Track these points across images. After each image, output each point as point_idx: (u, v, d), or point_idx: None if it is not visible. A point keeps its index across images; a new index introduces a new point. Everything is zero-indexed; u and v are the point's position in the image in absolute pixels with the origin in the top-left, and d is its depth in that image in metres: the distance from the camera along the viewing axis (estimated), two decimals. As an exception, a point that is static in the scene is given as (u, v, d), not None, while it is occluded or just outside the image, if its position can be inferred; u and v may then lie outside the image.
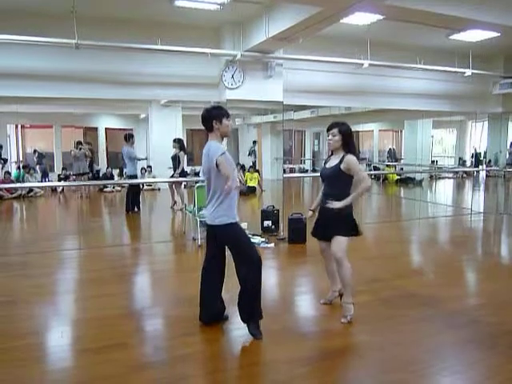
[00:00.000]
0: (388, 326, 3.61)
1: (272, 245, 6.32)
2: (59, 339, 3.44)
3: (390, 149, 20.38)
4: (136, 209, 9.47)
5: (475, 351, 3.18)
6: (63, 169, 14.82)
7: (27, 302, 4.19)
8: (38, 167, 16.26)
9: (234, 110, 14.35)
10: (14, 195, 11.92)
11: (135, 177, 9.61)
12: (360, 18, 6.55)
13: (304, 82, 8.85)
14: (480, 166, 15.97)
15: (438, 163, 18.57)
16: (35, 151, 17.74)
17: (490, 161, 15.08)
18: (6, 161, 14.96)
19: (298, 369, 2.92)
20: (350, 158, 3.67)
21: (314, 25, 6.44)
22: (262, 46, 7.43)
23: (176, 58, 7.65)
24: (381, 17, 6.43)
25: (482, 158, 17.16)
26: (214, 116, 3.42)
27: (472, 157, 17.59)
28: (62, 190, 13.84)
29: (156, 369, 2.96)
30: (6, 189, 11.77)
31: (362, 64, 8.18)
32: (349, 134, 3.73)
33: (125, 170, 9.79)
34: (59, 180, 14.53)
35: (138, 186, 9.78)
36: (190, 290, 4.04)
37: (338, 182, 3.75)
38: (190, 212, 6.97)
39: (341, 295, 3.92)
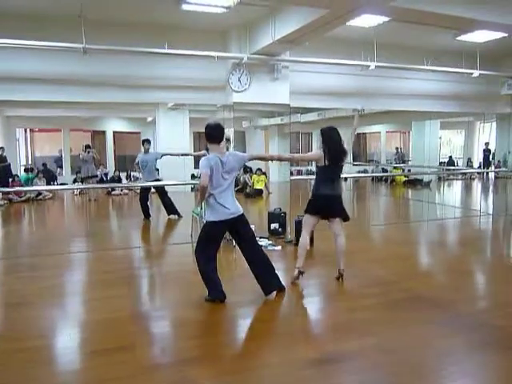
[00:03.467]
0: (397, 328, 3.59)
1: (279, 247, 6.30)
2: (68, 341, 3.46)
3: (397, 150, 20.29)
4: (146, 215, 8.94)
5: (485, 354, 3.16)
6: (77, 172, 14.84)
7: (36, 304, 4.22)
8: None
9: (240, 112, 14.35)
10: (22, 198, 12.01)
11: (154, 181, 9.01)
12: (366, 20, 6.54)
13: (311, 85, 8.86)
14: (489, 168, 15.80)
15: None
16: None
17: (498, 162, 14.95)
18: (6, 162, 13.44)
19: (304, 371, 2.91)
20: (316, 151, 4.95)
21: (321, 27, 6.45)
22: (269, 48, 7.44)
23: (183, 62, 7.69)
24: (387, 18, 6.41)
25: (490, 159, 16.97)
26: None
27: (484, 152, 17.16)
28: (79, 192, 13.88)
29: (164, 371, 2.97)
30: (14, 192, 11.86)
31: (369, 65, 8.15)
32: (322, 134, 4.70)
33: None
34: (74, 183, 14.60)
35: (146, 189, 9.37)
36: (197, 292, 4.03)
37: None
38: (197, 214, 6.96)
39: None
